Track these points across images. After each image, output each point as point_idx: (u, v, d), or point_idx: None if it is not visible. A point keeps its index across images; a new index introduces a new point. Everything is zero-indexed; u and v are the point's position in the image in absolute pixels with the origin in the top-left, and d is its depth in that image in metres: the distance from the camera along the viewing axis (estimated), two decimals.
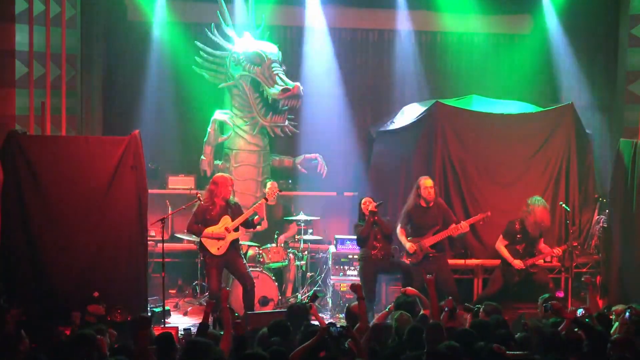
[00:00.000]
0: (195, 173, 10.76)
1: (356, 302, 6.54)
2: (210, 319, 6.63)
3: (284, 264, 9.65)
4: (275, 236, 9.83)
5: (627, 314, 6.47)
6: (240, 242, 8.84)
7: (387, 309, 7.01)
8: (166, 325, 8.26)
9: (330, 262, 9.82)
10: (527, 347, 5.84)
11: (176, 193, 10.54)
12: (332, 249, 9.90)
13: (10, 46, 9.10)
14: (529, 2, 11.38)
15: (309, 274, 9.94)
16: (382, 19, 11.60)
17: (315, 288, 9.87)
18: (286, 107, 10.17)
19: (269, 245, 9.70)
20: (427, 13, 11.44)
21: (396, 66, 11.57)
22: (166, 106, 11.10)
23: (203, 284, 9.80)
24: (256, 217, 8.60)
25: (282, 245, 9.76)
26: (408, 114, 10.39)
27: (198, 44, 10.49)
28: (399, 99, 11.31)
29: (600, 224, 9.86)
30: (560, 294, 9.02)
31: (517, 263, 8.73)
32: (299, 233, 9.91)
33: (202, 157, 10.48)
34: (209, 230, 8.38)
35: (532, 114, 10.11)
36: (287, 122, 10.47)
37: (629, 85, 10.45)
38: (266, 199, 8.85)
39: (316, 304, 7.17)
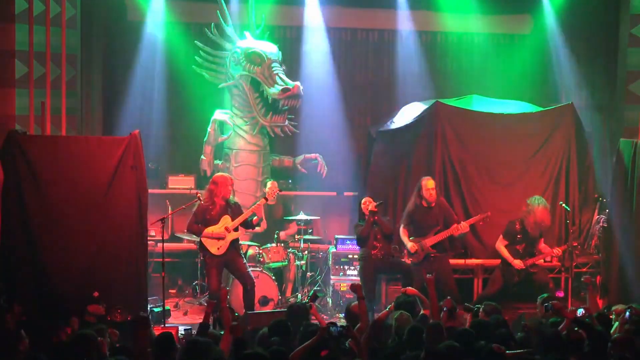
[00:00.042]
0: (195, 173, 10.76)
1: (356, 302, 6.54)
2: (211, 319, 6.62)
3: (284, 263, 9.66)
4: (276, 235, 9.84)
5: (627, 313, 6.47)
6: (240, 242, 8.84)
7: (387, 309, 7.01)
8: (166, 325, 8.26)
9: (330, 262, 9.83)
10: (527, 347, 5.84)
11: (176, 193, 10.53)
12: (332, 248, 9.90)
13: (10, 46, 9.10)
14: (529, 2, 11.39)
15: (309, 274, 9.93)
16: (382, 19, 11.61)
17: (315, 288, 9.87)
18: (286, 107, 10.17)
19: (269, 245, 9.71)
20: (427, 13, 11.45)
21: (396, 66, 11.59)
22: (166, 106, 11.11)
23: (203, 284, 9.80)
24: (255, 217, 8.60)
25: (282, 244, 9.76)
26: (408, 114, 10.39)
27: (198, 43, 10.49)
28: (399, 99, 11.30)
29: (600, 224, 9.86)
30: (560, 294, 9.02)
31: (517, 263, 8.73)
32: (299, 233, 9.91)
33: (202, 157, 10.48)
34: (209, 230, 8.38)
35: (532, 114, 10.11)
36: (287, 122, 10.47)
37: (629, 85, 10.46)
38: (266, 199, 8.85)
39: (316, 303, 7.17)
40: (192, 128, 10.95)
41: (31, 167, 7.94)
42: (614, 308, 7.24)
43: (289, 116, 10.52)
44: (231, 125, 10.39)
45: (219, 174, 8.93)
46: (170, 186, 10.78)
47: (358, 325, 6.16)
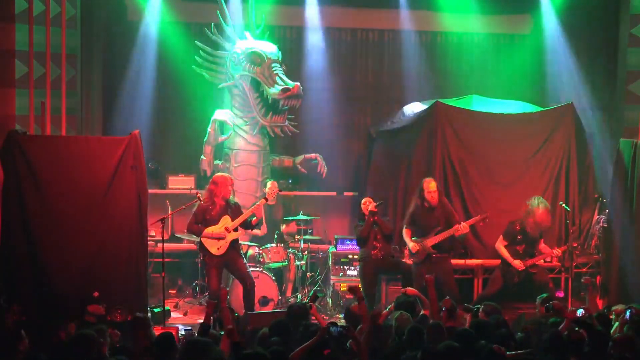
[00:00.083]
0: (195, 173, 10.76)
1: (356, 303, 6.54)
2: (211, 320, 6.62)
3: (284, 264, 9.66)
4: (276, 236, 9.84)
5: (628, 313, 6.46)
6: (240, 242, 8.84)
7: (387, 309, 7.01)
8: (166, 325, 8.26)
9: (330, 262, 9.82)
10: (527, 347, 5.84)
11: (176, 193, 10.53)
12: (332, 248, 9.90)
13: (10, 46, 9.09)
14: (529, 2, 11.39)
15: (309, 274, 9.93)
16: (382, 19, 11.61)
17: (315, 288, 9.87)
18: (286, 107, 10.16)
19: (269, 245, 9.71)
20: (427, 13, 11.45)
21: (396, 66, 11.59)
22: (166, 106, 11.12)
23: (203, 284, 9.79)
24: (255, 217, 8.59)
25: (283, 244, 9.76)
26: (408, 114, 10.39)
27: (198, 43, 10.48)
28: (399, 99, 11.31)
29: (600, 224, 9.87)
30: (560, 294, 9.02)
31: (517, 264, 8.73)
32: (299, 233, 9.91)
33: (202, 157, 10.47)
34: (209, 230, 8.38)
35: (532, 114, 10.12)
36: (287, 122, 10.47)
37: (629, 85, 10.46)
38: (266, 199, 8.85)
39: (316, 304, 7.17)
40: (192, 128, 10.95)
41: (31, 167, 7.94)
42: (614, 308, 7.24)
43: (289, 116, 10.51)
44: (231, 125, 10.38)
45: (219, 174, 8.93)
46: (170, 186, 10.78)
47: (360, 326, 6.14)
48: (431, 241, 8.60)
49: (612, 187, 9.41)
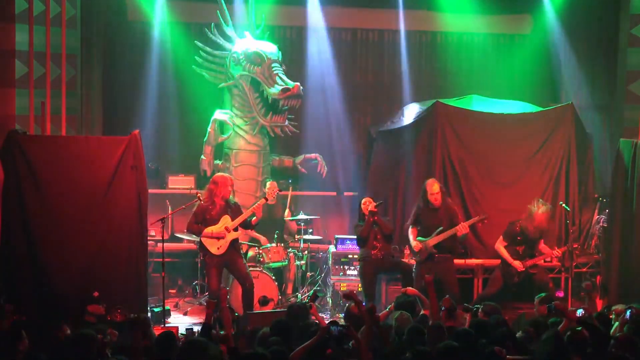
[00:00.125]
0: (195, 173, 10.76)
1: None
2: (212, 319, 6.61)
3: (284, 263, 9.65)
4: (276, 236, 9.84)
5: (628, 313, 6.46)
6: (240, 242, 8.84)
7: (387, 309, 7.00)
8: (166, 325, 8.26)
9: (330, 262, 9.82)
10: (527, 346, 5.84)
11: (176, 193, 10.53)
12: (332, 248, 9.90)
13: (10, 46, 9.09)
14: (529, 2, 11.39)
15: (309, 274, 9.94)
16: (382, 19, 11.61)
17: (315, 288, 9.87)
18: (286, 107, 10.17)
19: (269, 245, 9.71)
20: (427, 13, 11.45)
21: (396, 66, 11.59)
22: (166, 106, 11.11)
23: (203, 283, 9.79)
24: (254, 217, 8.60)
25: (283, 243, 9.76)
26: (408, 114, 10.40)
27: (198, 43, 10.49)
28: (399, 99, 11.32)
29: (600, 224, 9.87)
30: (560, 294, 9.02)
31: (517, 264, 8.72)
32: (299, 233, 9.91)
33: (202, 157, 10.48)
34: (209, 229, 8.38)
35: (532, 114, 10.12)
36: (287, 122, 10.47)
37: (629, 85, 10.45)
38: (266, 199, 8.85)
39: (316, 303, 7.16)
40: (192, 128, 10.95)
41: (31, 167, 7.94)
42: (614, 308, 7.23)
43: (289, 116, 10.51)
44: (231, 125, 10.38)
45: (219, 174, 8.93)
46: (170, 186, 10.78)
47: (362, 328, 6.12)
48: (433, 241, 8.59)
49: (612, 187, 9.41)
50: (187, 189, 10.59)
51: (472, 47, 11.73)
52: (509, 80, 11.31)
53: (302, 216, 9.97)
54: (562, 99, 11.17)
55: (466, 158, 9.80)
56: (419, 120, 10.02)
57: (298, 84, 10.03)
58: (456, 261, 9.23)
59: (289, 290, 9.80)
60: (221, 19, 10.42)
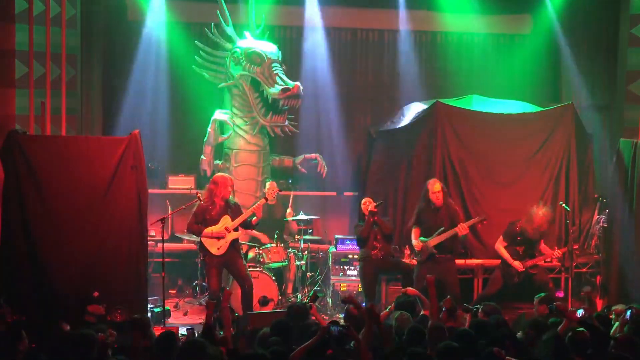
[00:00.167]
0: (195, 173, 10.76)
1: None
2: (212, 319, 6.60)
3: (284, 264, 9.65)
4: (276, 236, 9.84)
5: (628, 313, 6.46)
6: (240, 242, 8.84)
7: (387, 309, 7.00)
8: (166, 325, 8.26)
9: (330, 262, 9.82)
10: (527, 347, 5.83)
11: (176, 193, 10.53)
12: (332, 248, 9.90)
13: (10, 46, 9.09)
14: (529, 2, 11.40)
15: (309, 274, 9.93)
16: (382, 19, 11.61)
17: (315, 288, 9.87)
18: (286, 107, 10.17)
19: (269, 245, 9.70)
20: (427, 13, 11.45)
21: (396, 66, 11.59)
22: (166, 106, 11.11)
23: (203, 284, 9.79)
24: (255, 217, 8.60)
25: (283, 243, 9.76)
26: (408, 114, 10.39)
27: (198, 43, 10.49)
28: (399, 99, 11.31)
29: (600, 224, 9.87)
30: (560, 294, 9.02)
31: (517, 264, 8.72)
32: (299, 233, 9.91)
33: (202, 157, 10.47)
34: (209, 230, 8.38)
35: (532, 114, 10.12)
36: (287, 122, 10.47)
37: (629, 85, 10.45)
38: (266, 199, 8.85)
39: (316, 304, 7.16)
40: (192, 128, 10.95)
41: (31, 167, 7.93)
42: (614, 308, 7.24)
43: (289, 116, 10.52)
44: (231, 125, 10.38)
45: (219, 174, 8.93)
46: (170, 186, 10.78)
47: (363, 330, 6.12)
48: (433, 241, 8.58)
49: (612, 187, 9.41)
50: (187, 189, 10.59)
51: (472, 47, 11.72)
52: (509, 80, 11.31)
53: (302, 216, 9.97)
54: (562, 99, 11.17)
55: (466, 158, 9.80)
56: (419, 120, 10.01)
57: (298, 83, 10.03)
58: (456, 261, 9.24)
59: (289, 291, 9.80)
60: (221, 19, 10.42)
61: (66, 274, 7.94)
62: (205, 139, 10.42)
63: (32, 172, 7.94)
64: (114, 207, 8.09)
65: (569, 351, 5.54)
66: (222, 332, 6.21)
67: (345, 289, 9.47)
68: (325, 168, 10.93)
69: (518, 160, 9.88)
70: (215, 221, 8.40)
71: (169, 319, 8.84)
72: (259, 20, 10.66)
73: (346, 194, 11.19)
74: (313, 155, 10.98)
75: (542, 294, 7.55)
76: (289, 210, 10.25)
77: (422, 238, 8.66)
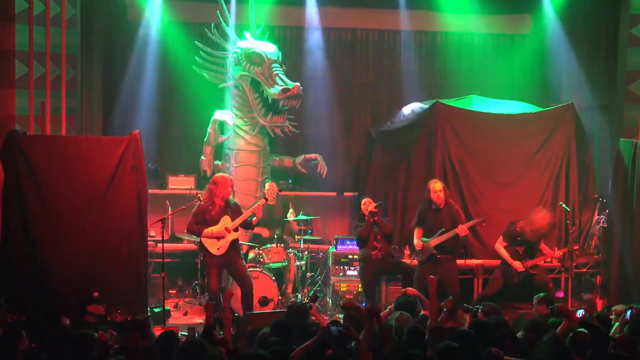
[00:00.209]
0: (195, 173, 10.76)
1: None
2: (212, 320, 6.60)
3: (284, 264, 9.65)
4: (276, 236, 9.84)
5: (628, 313, 6.46)
6: (240, 243, 8.84)
7: (387, 309, 7.00)
8: (166, 325, 8.25)
9: (330, 262, 9.82)
10: (527, 347, 5.83)
11: (176, 193, 10.53)
12: (332, 249, 9.90)
13: (10, 46, 9.09)
14: (529, 2, 11.39)
15: (309, 274, 9.93)
16: (382, 19, 11.61)
17: (315, 288, 9.87)
18: (286, 107, 10.17)
19: (269, 245, 9.71)
20: (427, 13, 11.45)
21: (396, 66, 11.59)
22: (166, 106, 11.12)
23: (203, 284, 9.78)
24: (255, 217, 8.59)
25: (283, 244, 9.77)
26: (408, 114, 10.39)
27: (198, 44, 10.50)
28: (399, 99, 11.31)
29: (600, 224, 9.87)
30: (560, 294, 9.02)
31: (517, 265, 8.72)
32: (299, 233, 9.91)
33: (202, 157, 10.47)
34: (209, 230, 8.38)
35: (532, 114, 10.12)
36: (287, 122, 10.47)
37: (629, 85, 10.45)
38: (266, 199, 8.85)
39: (316, 304, 7.16)
40: (192, 128, 10.95)
41: (31, 167, 7.94)
42: (614, 308, 7.23)
43: (289, 116, 10.52)
44: (231, 126, 10.38)
45: (219, 174, 8.93)
46: (170, 186, 10.78)
47: (363, 331, 6.11)
48: (434, 241, 8.58)
49: (612, 187, 9.41)
50: (187, 189, 10.59)
51: (472, 47, 11.72)
52: (509, 80, 11.31)
53: (302, 216, 9.97)
54: (562, 99, 11.17)
55: (466, 158, 9.80)
56: (419, 120, 10.02)
57: (298, 84, 10.04)
58: (457, 261, 9.24)
59: (289, 291, 9.80)
60: (221, 19, 10.42)
61: (66, 274, 7.95)
62: (205, 139, 10.41)
63: (32, 172, 7.94)
64: (114, 207, 8.09)
65: (569, 352, 5.53)
66: (222, 333, 6.21)
67: (345, 289, 9.47)
68: (325, 168, 10.93)
69: (518, 160, 9.88)
70: (215, 221, 8.39)
71: (169, 319, 8.83)
72: (259, 20, 10.66)
73: (346, 194, 11.20)
74: (313, 155, 10.98)
75: (542, 294, 7.54)
76: (290, 210, 10.25)
77: (423, 238, 8.66)
